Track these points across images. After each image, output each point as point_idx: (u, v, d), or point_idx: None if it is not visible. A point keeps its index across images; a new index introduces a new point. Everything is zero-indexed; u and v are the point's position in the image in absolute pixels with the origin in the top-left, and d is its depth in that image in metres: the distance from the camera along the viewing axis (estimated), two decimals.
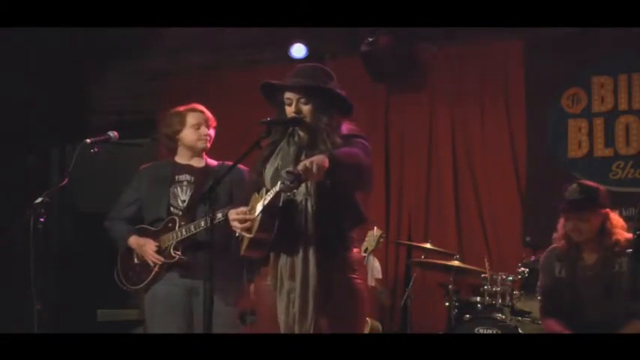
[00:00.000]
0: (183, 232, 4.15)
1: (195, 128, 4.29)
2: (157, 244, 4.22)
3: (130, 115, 6.98)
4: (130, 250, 4.34)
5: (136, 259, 4.32)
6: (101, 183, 7.73)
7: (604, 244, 4.13)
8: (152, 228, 4.27)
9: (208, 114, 4.37)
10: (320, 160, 2.94)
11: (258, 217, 3.16)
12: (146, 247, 4.23)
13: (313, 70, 3.34)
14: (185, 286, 4.20)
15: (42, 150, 7.37)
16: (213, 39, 6.69)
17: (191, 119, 4.30)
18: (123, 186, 4.51)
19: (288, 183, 2.89)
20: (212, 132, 4.37)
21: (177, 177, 4.32)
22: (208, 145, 4.35)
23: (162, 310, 4.22)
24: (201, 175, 4.29)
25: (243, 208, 3.26)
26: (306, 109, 3.24)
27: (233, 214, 3.25)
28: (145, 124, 6.91)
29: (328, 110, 3.24)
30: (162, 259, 4.20)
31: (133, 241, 4.30)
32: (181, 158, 4.36)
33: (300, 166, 2.93)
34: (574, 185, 4.21)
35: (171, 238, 4.20)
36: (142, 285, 4.30)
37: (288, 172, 2.91)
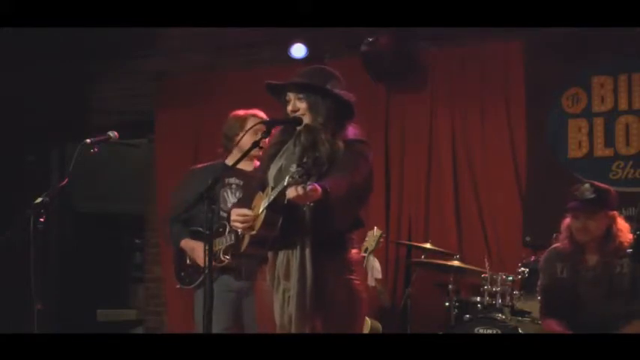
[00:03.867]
0: (232, 238, 4.12)
1: (253, 133, 4.22)
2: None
3: (130, 115, 6.97)
4: (182, 251, 4.44)
5: (188, 261, 4.42)
6: (101, 183, 7.75)
7: (609, 246, 4.14)
8: (205, 231, 4.28)
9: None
10: (310, 192, 2.95)
11: (263, 215, 3.16)
12: (197, 251, 4.27)
13: (314, 71, 3.36)
14: (237, 288, 4.28)
15: (42, 150, 7.36)
16: (213, 39, 6.68)
17: (250, 124, 4.26)
18: (176, 186, 4.60)
19: (297, 177, 2.89)
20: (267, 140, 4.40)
21: (227, 180, 4.34)
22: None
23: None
24: (251, 178, 4.29)
25: (244, 210, 3.27)
26: (302, 106, 3.26)
27: (234, 214, 3.27)
28: (145, 124, 6.92)
29: (324, 110, 3.25)
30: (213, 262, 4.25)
31: (185, 244, 4.41)
32: (232, 161, 4.33)
33: (291, 193, 2.94)
34: (586, 185, 4.22)
35: (221, 243, 4.22)
36: (193, 285, 4.37)
37: (298, 166, 2.92)
